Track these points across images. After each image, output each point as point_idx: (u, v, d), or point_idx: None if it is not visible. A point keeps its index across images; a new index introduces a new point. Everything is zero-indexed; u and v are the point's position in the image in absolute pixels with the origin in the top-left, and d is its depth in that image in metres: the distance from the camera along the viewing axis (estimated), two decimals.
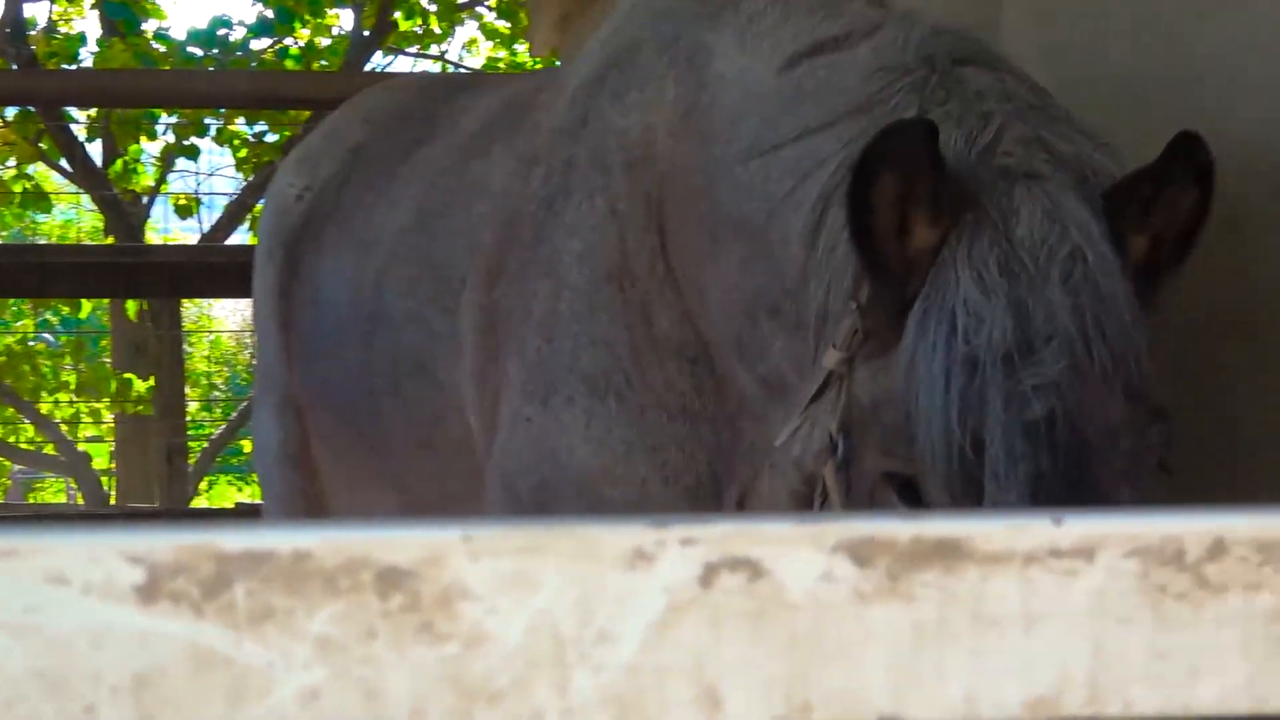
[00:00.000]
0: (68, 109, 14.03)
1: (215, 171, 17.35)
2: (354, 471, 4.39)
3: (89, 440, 18.85)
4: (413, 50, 17.30)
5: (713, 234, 3.15)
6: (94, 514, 11.70)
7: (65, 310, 18.28)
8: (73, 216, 22.03)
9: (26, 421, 17.91)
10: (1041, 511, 1.05)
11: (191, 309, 22.14)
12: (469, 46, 18.21)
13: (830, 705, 1.06)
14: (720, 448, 3.27)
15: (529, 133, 3.75)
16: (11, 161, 15.48)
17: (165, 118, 14.91)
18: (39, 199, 15.65)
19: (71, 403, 17.35)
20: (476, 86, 4.70)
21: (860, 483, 2.71)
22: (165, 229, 19.54)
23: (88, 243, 18.46)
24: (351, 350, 4.22)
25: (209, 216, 16.66)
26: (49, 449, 17.79)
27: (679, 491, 3.28)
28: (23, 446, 18.68)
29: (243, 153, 15.56)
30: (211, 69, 14.93)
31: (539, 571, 1.03)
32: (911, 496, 2.61)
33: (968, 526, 1.06)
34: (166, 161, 16.48)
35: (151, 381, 15.48)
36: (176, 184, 16.98)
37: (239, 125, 15.19)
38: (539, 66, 10.76)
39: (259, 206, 14.50)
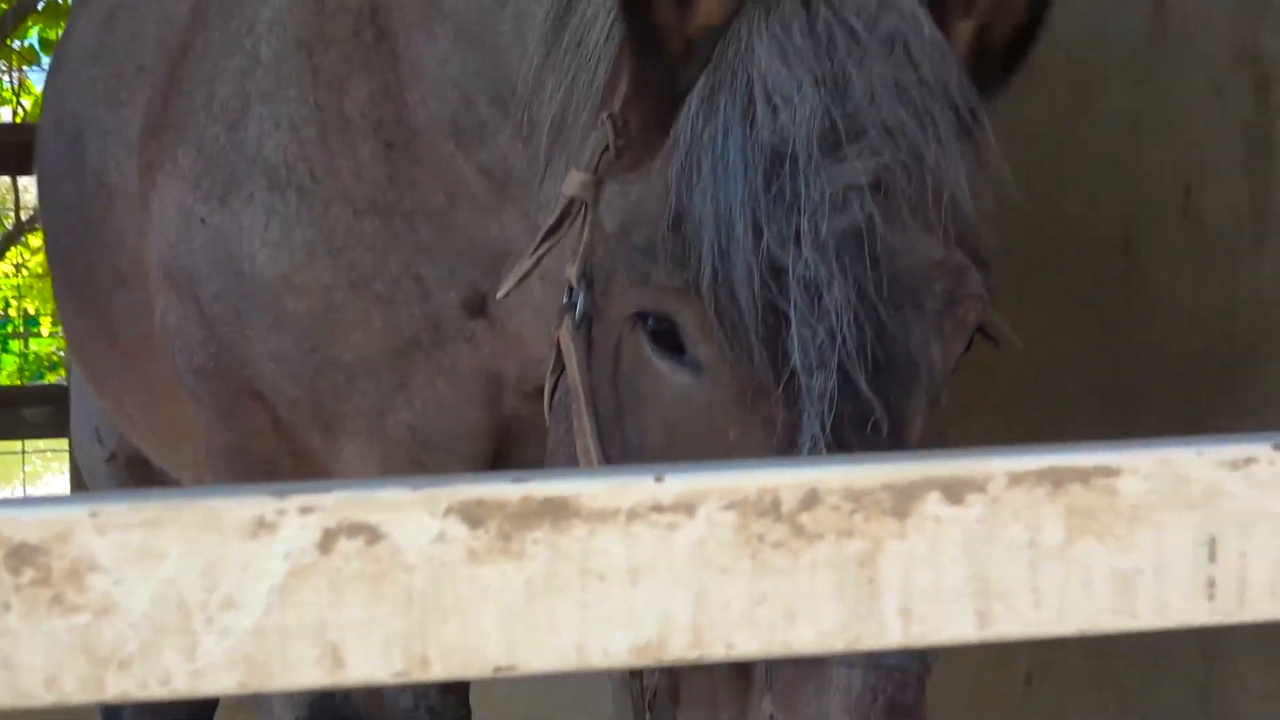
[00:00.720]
0: None
1: None
2: (86, 342, 3.87)
3: None
4: None
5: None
6: None
7: None
8: None
9: None
10: (643, 469, 1.12)
11: None
12: None
13: (448, 659, 1.12)
14: (422, 246, 2.89)
15: None
16: None
17: None
18: None
19: None
20: None
21: (604, 340, 2.25)
22: None
23: None
24: (60, 199, 3.76)
25: None
26: None
27: (370, 299, 2.91)
28: None
29: None
30: None
31: (164, 543, 1.08)
32: (669, 345, 2.13)
33: (574, 485, 1.13)
34: None
35: None
36: None
37: None
38: None
39: None
